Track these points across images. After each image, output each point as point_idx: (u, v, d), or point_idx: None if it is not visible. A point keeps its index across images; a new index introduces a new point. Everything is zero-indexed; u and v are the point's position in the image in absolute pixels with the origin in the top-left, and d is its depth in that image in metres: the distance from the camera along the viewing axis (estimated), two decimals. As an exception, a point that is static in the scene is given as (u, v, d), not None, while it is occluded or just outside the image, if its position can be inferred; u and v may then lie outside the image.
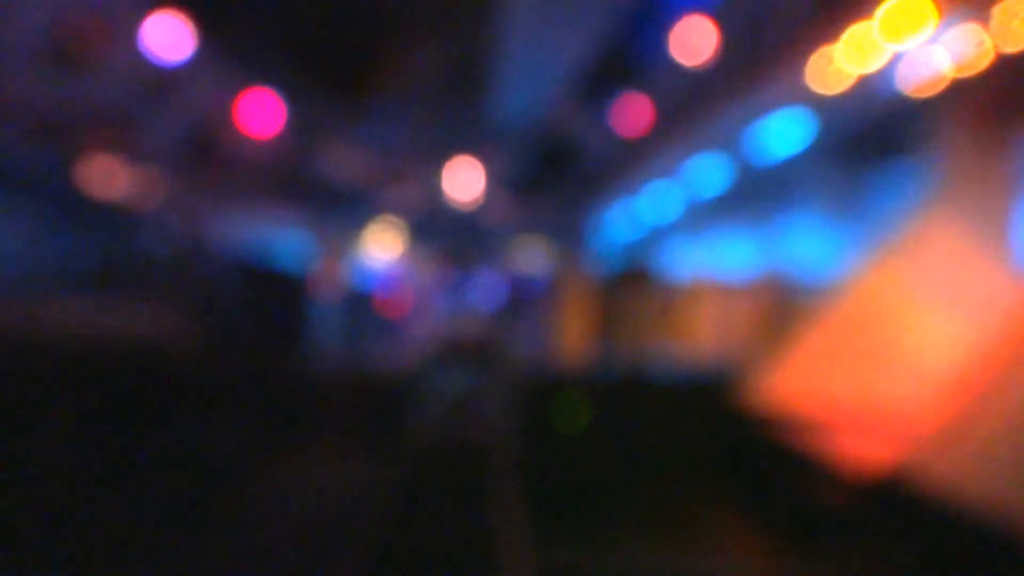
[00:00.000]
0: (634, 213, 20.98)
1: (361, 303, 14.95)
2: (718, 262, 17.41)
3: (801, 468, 7.91)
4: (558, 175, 27.64)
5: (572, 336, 9.81)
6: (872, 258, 9.39)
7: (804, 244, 14.08)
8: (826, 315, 9.20)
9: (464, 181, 24.04)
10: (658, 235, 21.17)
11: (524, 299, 16.81)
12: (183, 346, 8.92)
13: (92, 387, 6.97)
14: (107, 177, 13.48)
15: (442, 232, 24.98)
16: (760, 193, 15.43)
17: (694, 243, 19.20)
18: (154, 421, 7.77)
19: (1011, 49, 6.94)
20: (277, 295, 9.65)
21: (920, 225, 8.79)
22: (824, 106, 10.73)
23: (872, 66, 9.16)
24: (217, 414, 8.63)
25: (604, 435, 9.41)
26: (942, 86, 8.84)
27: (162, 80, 18.99)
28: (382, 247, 25.20)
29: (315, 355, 9.85)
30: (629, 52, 23.14)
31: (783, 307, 10.01)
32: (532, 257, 25.64)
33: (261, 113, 22.89)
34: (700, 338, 9.79)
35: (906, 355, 8.39)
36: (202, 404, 8.58)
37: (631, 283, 10.19)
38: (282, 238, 25.01)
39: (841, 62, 9.16)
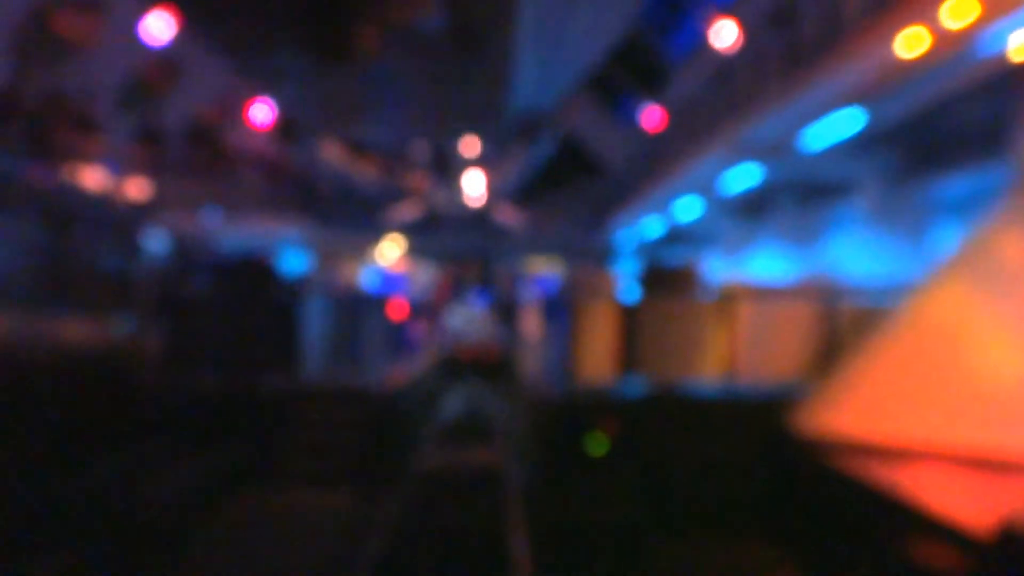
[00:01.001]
0: (660, 215, 19.77)
1: (367, 306, 13.68)
2: (751, 267, 16.22)
3: (883, 512, 6.57)
4: (575, 177, 26.45)
5: (593, 345, 8.45)
6: (942, 268, 8.11)
7: (850, 248, 12.84)
8: (894, 328, 7.89)
9: (475, 175, 22.92)
10: (686, 237, 19.94)
11: (537, 304, 15.57)
12: (139, 361, 7.73)
13: (18, 412, 5.76)
14: (76, 172, 12.33)
15: (451, 233, 23.82)
16: (801, 195, 14.19)
17: (726, 247, 17.98)
18: (92, 451, 6.55)
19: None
20: (262, 299, 8.38)
21: (995, 233, 7.52)
22: (878, 100, 9.53)
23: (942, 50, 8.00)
24: (170, 442, 7.40)
25: (631, 462, 8.11)
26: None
27: (154, 71, 17.89)
28: (388, 252, 24.05)
29: (306, 368, 8.53)
30: (654, 50, 21.98)
31: (835, 315, 8.71)
32: (546, 259, 24.45)
33: (258, 106, 21.79)
34: (741, 349, 8.46)
35: (992, 378, 7.11)
36: (154, 429, 7.36)
37: (660, 286, 8.83)
38: (284, 244, 23.88)
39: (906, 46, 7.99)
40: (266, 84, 18.95)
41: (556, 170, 26.94)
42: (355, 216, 24.53)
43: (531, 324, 18.20)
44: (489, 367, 15.39)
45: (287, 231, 23.36)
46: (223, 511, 7.18)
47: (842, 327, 9.00)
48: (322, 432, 7.97)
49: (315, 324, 9.42)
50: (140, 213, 16.69)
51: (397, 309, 16.10)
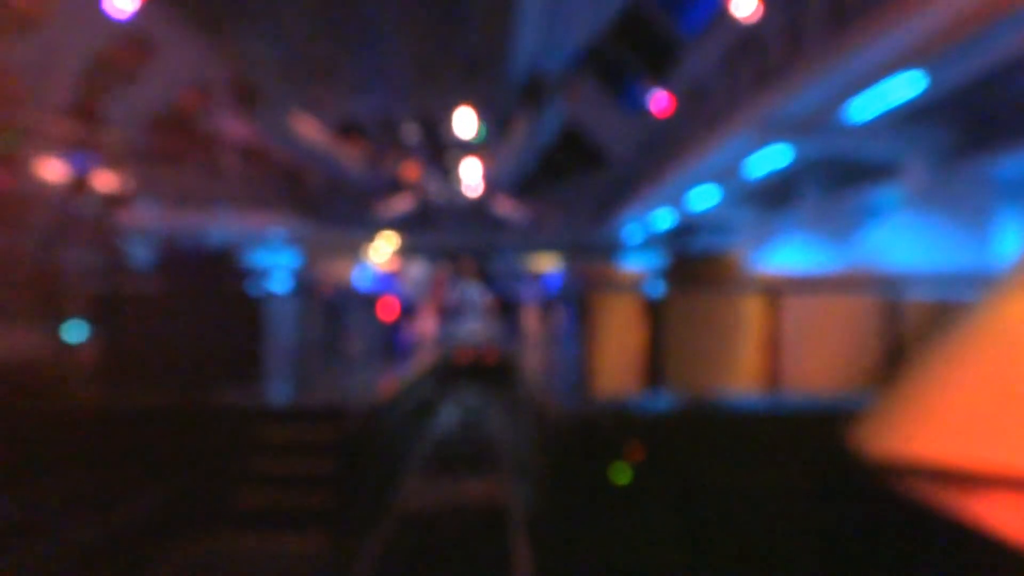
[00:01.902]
0: (672, 206, 18.38)
1: (351, 306, 12.32)
2: (773, 260, 14.79)
3: (965, 550, 5.17)
4: (578, 168, 25.04)
5: (612, 351, 7.02)
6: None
7: (893, 236, 11.48)
8: (978, 328, 6.46)
9: (472, 163, 21.30)
10: (700, 229, 18.56)
11: (541, 303, 14.19)
12: (64, 375, 6.38)
13: None
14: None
15: (447, 228, 22.39)
16: (832, 179, 12.81)
17: (744, 239, 16.59)
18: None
19: None
20: (219, 299, 6.99)
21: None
22: (940, 61, 8.17)
23: None
24: (101, 474, 6.03)
25: (660, 492, 6.74)
26: None
27: (120, 48, 16.48)
28: (381, 249, 22.65)
29: (273, 380, 7.12)
30: (661, 27, 20.59)
31: (899, 311, 7.34)
32: (548, 255, 23.07)
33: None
34: (789, 353, 7.06)
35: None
36: (82, 459, 5.99)
37: (691, 280, 7.40)
38: (271, 241, 22.49)
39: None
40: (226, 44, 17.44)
41: (558, 159, 25.57)
42: (346, 212, 23.14)
43: (534, 325, 16.82)
44: (488, 373, 14.02)
45: (273, 228, 21.97)
46: (166, 560, 5.82)
47: (908, 325, 7.62)
48: (290, 460, 6.58)
49: (286, 327, 8.03)
50: (106, 206, 15.30)
51: (387, 309, 14.70)
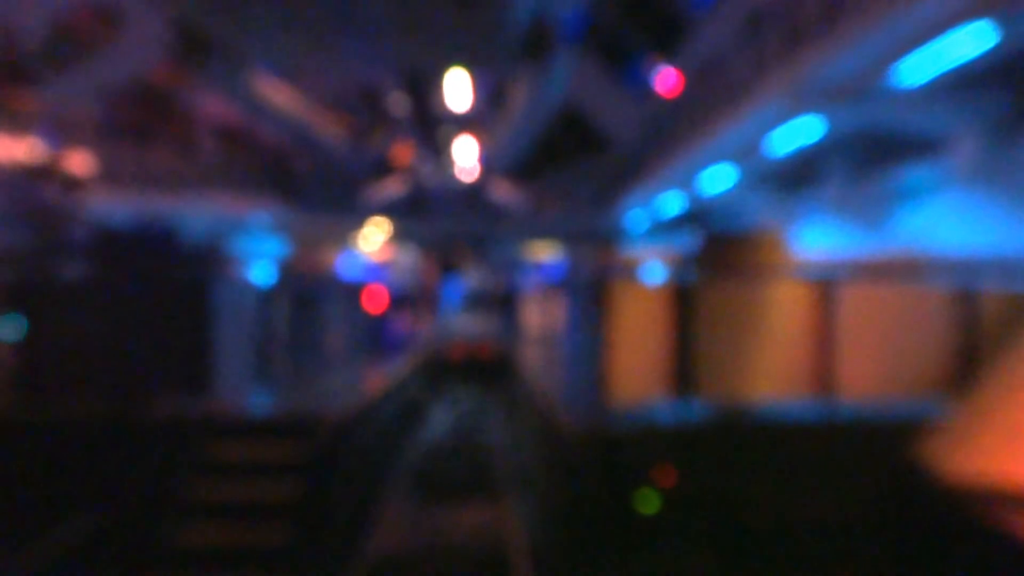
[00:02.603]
0: (681, 190, 17.15)
1: (332, 295, 11.10)
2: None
3: None
4: (580, 152, 23.78)
5: (633, 351, 5.78)
6: None
7: (939, 219, 10.27)
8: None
9: (467, 142, 19.78)
10: (711, 214, 17.34)
11: (544, 293, 13.02)
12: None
13: None
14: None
15: (440, 214, 21.08)
16: (865, 156, 11.58)
17: (760, 223, 15.34)
18: None
19: None
20: (161, 288, 5.75)
21: None
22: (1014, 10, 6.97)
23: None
24: (13, 502, 4.82)
25: (694, 522, 5.58)
26: None
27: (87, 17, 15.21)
28: (371, 237, 21.38)
29: (228, 385, 5.89)
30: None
31: (975, 302, 6.15)
32: (547, 243, 21.83)
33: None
34: (844, 353, 5.87)
35: None
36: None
37: (726, 265, 6.15)
38: (254, 228, 21.21)
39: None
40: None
41: (557, 143, 24.33)
42: (335, 197, 21.85)
43: (535, 317, 15.60)
44: (484, 370, 12.82)
45: (257, 214, 20.69)
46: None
47: (985, 319, 6.42)
48: (242, 484, 5.37)
49: (247, 322, 6.80)
50: (66, 189, 14.04)
51: (375, 300, 13.46)
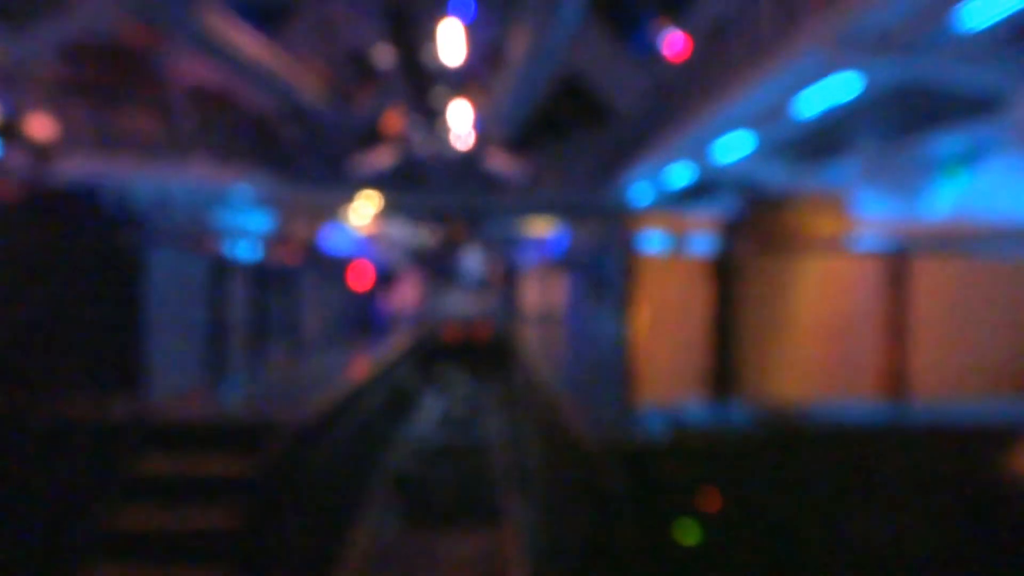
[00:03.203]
0: (691, 160, 16.02)
1: (315, 272, 10.00)
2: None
3: None
4: (582, 122, 22.58)
5: (662, 343, 4.63)
6: None
7: (991, 183, 9.17)
8: None
9: (462, 106, 18.08)
10: (720, 188, 16.22)
11: (545, 269, 11.98)
12: None
13: None
14: None
15: (433, 186, 19.81)
16: (908, 116, 10.42)
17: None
18: None
19: None
20: (81, 261, 4.59)
21: None
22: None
23: None
24: None
25: (744, 555, 4.52)
26: None
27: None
28: (362, 211, 20.18)
29: (166, 381, 4.74)
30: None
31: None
32: (544, 218, 20.66)
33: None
34: (923, 343, 4.75)
35: None
36: None
37: (773, 237, 5.00)
38: (237, 199, 20.00)
39: None
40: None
41: (557, 113, 23.11)
42: (324, 169, 20.61)
43: (535, 296, 14.51)
44: (481, 353, 11.73)
45: (239, 184, 19.45)
46: None
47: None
48: (173, 509, 4.27)
49: (194, 302, 5.67)
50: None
51: (361, 276, 12.33)
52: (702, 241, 5.21)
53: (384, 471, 6.51)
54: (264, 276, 7.41)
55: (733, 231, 5.08)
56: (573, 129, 23.13)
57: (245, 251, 7.32)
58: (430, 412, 8.17)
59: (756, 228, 5.39)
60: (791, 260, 5.43)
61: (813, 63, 9.10)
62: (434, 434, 7.08)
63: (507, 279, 17.74)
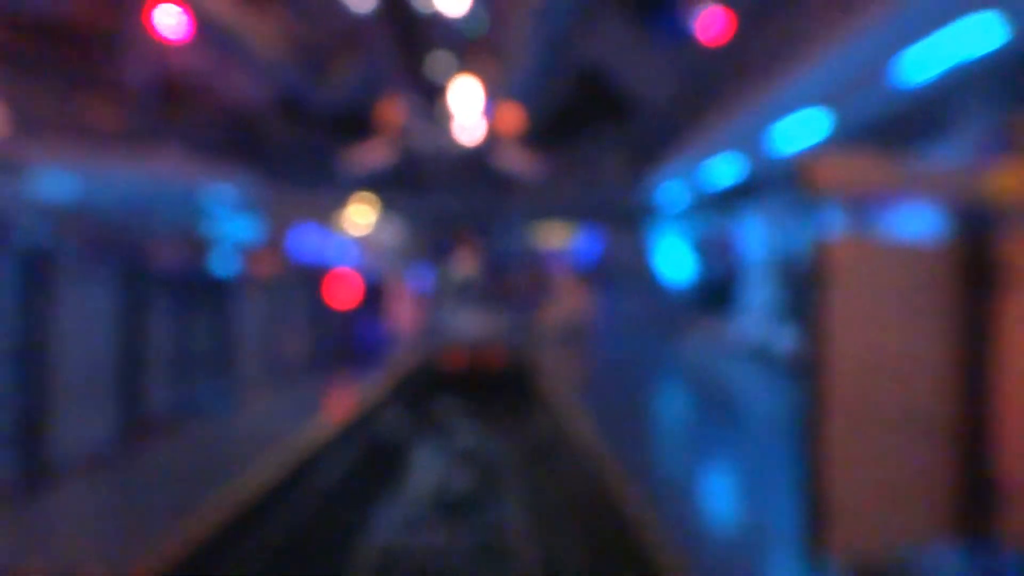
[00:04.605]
0: (741, 152, 13.61)
1: (284, 287, 7.66)
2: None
3: None
4: (602, 116, 20.24)
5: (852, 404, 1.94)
6: None
7: None
8: None
9: (469, 85, 15.17)
10: (769, 187, 13.87)
11: (575, 282, 9.62)
12: None
13: None
14: None
15: (433, 183, 17.40)
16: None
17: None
18: None
19: None
20: None
21: None
22: None
23: None
24: None
25: None
26: None
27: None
28: (358, 217, 17.84)
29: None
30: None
31: None
32: (564, 225, 18.24)
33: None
34: None
35: None
36: None
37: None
38: (218, 203, 17.74)
39: None
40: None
41: (575, 110, 20.77)
42: (317, 171, 18.27)
43: (564, 311, 12.07)
44: (494, 386, 9.30)
45: (218, 185, 17.11)
46: None
47: None
48: None
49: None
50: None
51: (342, 291, 9.94)
52: (913, 217, 2.76)
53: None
54: (203, 294, 5.05)
55: (994, 196, 2.64)
56: (593, 125, 20.86)
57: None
58: (420, 480, 5.78)
59: None
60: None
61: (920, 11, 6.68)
62: (423, 527, 4.70)
63: (526, 293, 15.36)
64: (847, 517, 2.35)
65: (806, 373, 2.30)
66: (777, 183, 14.06)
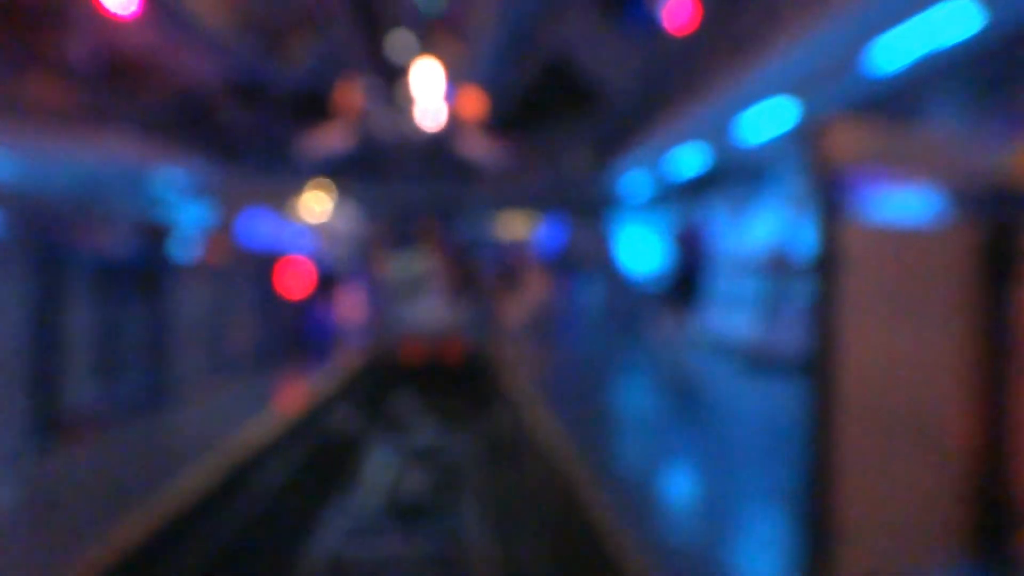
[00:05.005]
0: (708, 141, 13.39)
1: (230, 275, 7.22)
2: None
3: None
4: (567, 105, 19.91)
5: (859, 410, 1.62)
6: None
7: None
8: None
9: (430, 68, 14.89)
10: (738, 176, 13.70)
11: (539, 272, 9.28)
12: None
13: None
14: None
15: (393, 169, 16.96)
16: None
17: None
18: None
19: None
20: None
21: None
22: None
23: None
24: None
25: None
26: None
27: None
28: (315, 204, 17.32)
29: None
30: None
31: None
32: (526, 214, 17.94)
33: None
34: None
35: None
36: None
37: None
38: (168, 188, 17.08)
39: None
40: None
41: (540, 99, 20.42)
42: (272, 157, 17.71)
43: (523, 303, 11.76)
44: (453, 380, 8.97)
45: (167, 168, 16.45)
46: None
47: None
48: None
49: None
50: None
51: (295, 279, 9.51)
52: (918, 200, 2.48)
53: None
54: (138, 282, 4.62)
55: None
56: (556, 114, 20.56)
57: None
58: (372, 483, 5.41)
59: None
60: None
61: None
62: (374, 535, 4.35)
63: (486, 283, 14.99)
64: (857, 539, 2.05)
65: (811, 378, 2.00)
66: (746, 172, 13.87)
